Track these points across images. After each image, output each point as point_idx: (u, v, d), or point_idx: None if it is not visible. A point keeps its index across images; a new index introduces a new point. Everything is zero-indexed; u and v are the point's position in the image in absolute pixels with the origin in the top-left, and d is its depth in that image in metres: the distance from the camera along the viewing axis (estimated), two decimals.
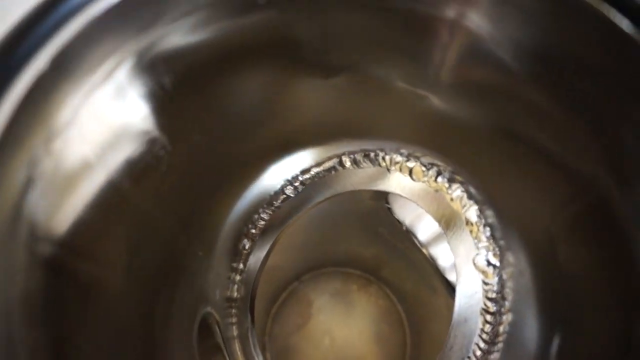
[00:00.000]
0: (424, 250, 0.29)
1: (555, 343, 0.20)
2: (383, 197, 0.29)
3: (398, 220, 0.29)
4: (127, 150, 0.19)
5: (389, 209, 0.29)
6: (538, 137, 0.19)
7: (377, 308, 0.43)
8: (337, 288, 0.43)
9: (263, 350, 0.40)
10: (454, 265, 0.23)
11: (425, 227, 0.28)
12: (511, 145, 0.21)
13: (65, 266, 0.17)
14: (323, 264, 0.43)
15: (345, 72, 0.23)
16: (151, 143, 0.20)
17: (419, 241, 0.29)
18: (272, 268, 0.41)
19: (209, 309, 0.26)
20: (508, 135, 0.21)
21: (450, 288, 0.29)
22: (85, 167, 0.18)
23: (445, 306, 0.33)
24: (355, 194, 0.30)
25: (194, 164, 0.25)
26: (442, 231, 0.23)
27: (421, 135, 0.24)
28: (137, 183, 0.20)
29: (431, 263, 0.29)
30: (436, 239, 0.28)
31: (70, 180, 0.17)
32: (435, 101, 0.22)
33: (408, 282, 0.41)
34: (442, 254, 0.29)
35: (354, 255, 0.42)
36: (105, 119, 0.17)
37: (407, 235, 0.29)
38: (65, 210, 0.18)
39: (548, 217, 0.18)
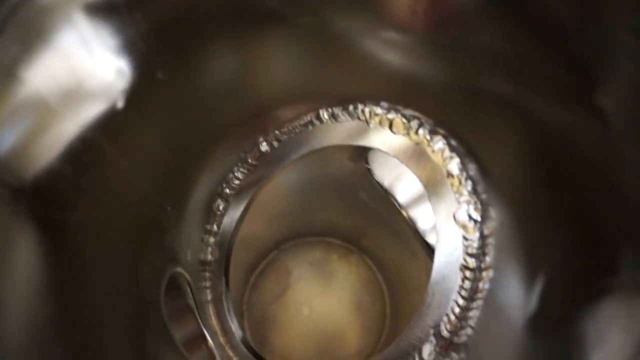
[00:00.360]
0: (404, 212, 0.28)
1: (536, 299, 0.19)
2: (363, 156, 0.28)
3: (377, 182, 0.28)
4: (86, 92, 0.18)
5: (369, 170, 0.28)
6: (512, 88, 0.18)
7: (358, 278, 0.42)
8: (317, 257, 0.43)
9: (241, 319, 0.40)
10: (434, 223, 0.22)
11: (405, 188, 0.28)
12: (486, 99, 0.20)
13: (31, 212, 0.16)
14: (303, 233, 0.43)
15: (312, 27, 0.22)
16: (109, 85, 0.19)
17: (398, 203, 0.28)
18: (251, 237, 0.40)
19: (178, 269, 0.25)
20: (481, 89, 0.20)
21: (430, 251, 0.28)
22: (43, 106, 0.17)
23: (425, 274, 0.32)
24: (334, 153, 0.29)
25: (163, 117, 0.24)
26: (422, 187, 0.22)
27: (395, 93, 0.23)
28: (103, 130, 0.19)
29: (411, 225, 0.28)
30: (416, 200, 0.28)
31: (27, 118, 0.16)
32: (406, 58, 0.21)
33: (389, 252, 0.40)
34: (422, 216, 0.28)
35: (334, 224, 0.41)
36: (58, 48, 0.16)
37: (386, 197, 0.29)
38: (31, 154, 0.17)
39: (528, 167, 0.18)
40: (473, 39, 0.18)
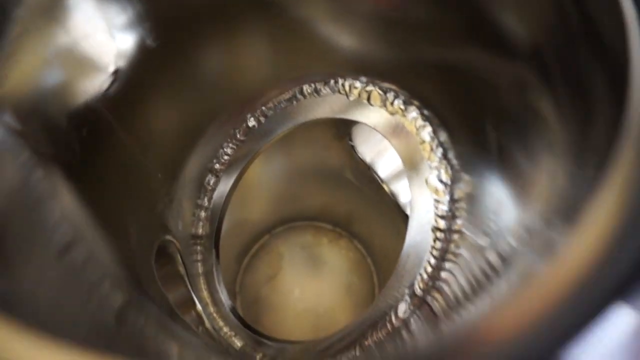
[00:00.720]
0: (386, 187, 0.29)
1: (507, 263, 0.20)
2: (346, 134, 0.30)
3: (361, 158, 0.30)
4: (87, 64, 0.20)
5: (352, 147, 0.30)
6: (450, 53, 0.20)
7: (347, 260, 0.43)
8: (308, 241, 0.44)
9: (234, 300, 0.41)
10: (409, 188, 0.24)
11: (386, 164, 0.29)
12: (433, 67, 0.21)
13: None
14: (294, 218, 0.44)
15: (281, 18, 0.24)
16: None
17: (380, 178, 0.29)
18: (244, 222, 0.41)
19: (169, 237, 0.26)
20: (427, 60, 0.22)
21: None
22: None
23: None
24: (319, 132, 0.30)
25: (160, 95, 0.26)
26: (398, 156, 0.24)
27: (356, 72, 0.25)
28: (105, 100, 0.21)
29: (392, 200, 0.29)
30: (397, 175, 0.29)
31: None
32: (361, 39, 0.23)
33: (377, 236, 0.41)
34: (402, 190, 0.29)
35: (324, 209, 0.43)
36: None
37: (369, 173, 0.30)
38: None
39: (493, 130, 0.19)
40: (415, 15, 0.20)
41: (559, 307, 0.08)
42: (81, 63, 0.20)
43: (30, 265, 0.15)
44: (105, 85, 0.21)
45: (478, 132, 0.19)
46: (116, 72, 0.21)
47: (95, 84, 0.21)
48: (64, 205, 0.18)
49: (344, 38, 0.23)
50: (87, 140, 0.20)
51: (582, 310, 0.08)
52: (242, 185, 0.34)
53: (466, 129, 0.20)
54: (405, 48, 0.21)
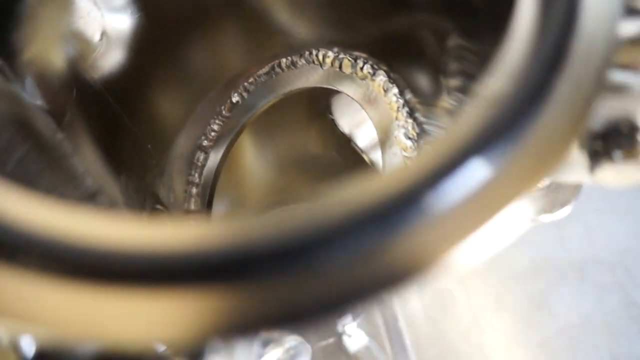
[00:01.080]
0: (365, 157, 0.31)
1: None
2: (326, 109, 0.31)
3: (341, 131, 0.31)
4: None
5: (333, 120, 0.31)
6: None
7: None
8: None
9: None
10: (381, 149, 0.25)
11: (364, 135, 0.31)
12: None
13: None
14: (287, 202, 0.45)
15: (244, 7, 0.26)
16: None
17: (359, 148, 0.31)
18: (240, 209, 0.43)
19: (159, 206, 0.28)
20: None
21: None
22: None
23: None
24: (299, 111, 0.32)
25: (151, 79, 0.28)
26: (367, 116, 0.25)
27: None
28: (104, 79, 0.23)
29: (372, 168, 0.31)
30: (375, 145, 0.31)
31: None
32: (315, 24, 0.26)
33: None
34: (380, 159, 0.31)
35: (316, 192, 0.44)
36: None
37: (349, 145, 0.32)
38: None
39: (443, 80, 0.21)
40: None
41: (431, 165, 0.10)
42: (78, 37, 0.22)
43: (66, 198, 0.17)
44: (97, 56, 0.23)
45: (434, 86, 0.21)
46: (102, 39, 0.23)
47: (89, 57, 0.23)
48: (87, 162, 0.21)
49: (304, 22, 0.25)
50: (84, 108, 0.22)
51: (447, 164, 0.10)
52: (235, 175, 0.36)
53: (425, 85, 0.22)
54: (351, 25, 0.23)
